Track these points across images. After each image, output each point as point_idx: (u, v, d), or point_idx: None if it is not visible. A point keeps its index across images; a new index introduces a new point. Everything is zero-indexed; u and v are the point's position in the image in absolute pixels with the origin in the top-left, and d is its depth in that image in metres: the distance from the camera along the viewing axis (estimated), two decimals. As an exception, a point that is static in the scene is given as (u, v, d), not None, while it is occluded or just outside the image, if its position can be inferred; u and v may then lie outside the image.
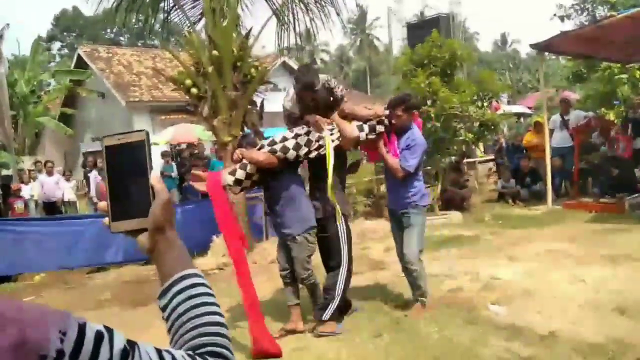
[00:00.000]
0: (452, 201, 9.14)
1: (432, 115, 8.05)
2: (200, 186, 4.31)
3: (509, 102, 18.87)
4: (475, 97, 8.57)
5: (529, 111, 20.84)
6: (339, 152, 4.17)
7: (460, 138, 8.39)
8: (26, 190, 11.05)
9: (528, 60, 44.43)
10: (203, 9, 7.55)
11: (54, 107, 21.41)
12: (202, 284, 0.79)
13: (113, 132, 0.88)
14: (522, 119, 19.02)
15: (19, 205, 10.15)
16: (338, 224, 4.11)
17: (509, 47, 56.72)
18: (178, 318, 0.75)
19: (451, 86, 8.39)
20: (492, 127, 8.85)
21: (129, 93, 18.38)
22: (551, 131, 9.44)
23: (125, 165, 0.84)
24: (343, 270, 4.13)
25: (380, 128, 4.20)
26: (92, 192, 11.39)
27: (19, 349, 0.55)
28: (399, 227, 4.38)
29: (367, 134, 4.18)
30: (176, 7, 8.06)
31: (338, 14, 8.05)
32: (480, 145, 9.93)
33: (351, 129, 4.10)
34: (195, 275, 0.80)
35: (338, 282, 4.10)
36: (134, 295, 5.94)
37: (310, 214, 4.16)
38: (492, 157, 12.76)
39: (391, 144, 4.25)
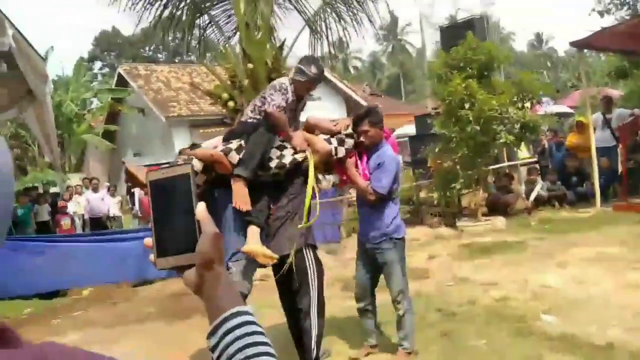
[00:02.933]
0: (495, 206, 8.92)
1: (471, 118, 7.89)
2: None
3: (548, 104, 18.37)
4: (515, 99, 8.36)
5: (570, 110, 20.22)
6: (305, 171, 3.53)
7: (501, 141, 8.18)
8: (71, 207, 11.42)
9: (566, 58, 43.27)
10: (237, 24, 7.64)
11: (97, 125, 22.12)
12: (252, 322, 0.77)
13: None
14: (562, 119, 18.45)
15: (65, 221, 10.51)
16: (307, 262, 3.44)
17: (544, 45, 55.42)
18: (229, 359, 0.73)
19: (489, 88, 8.22)
20: (533, 128, 8.59)
21: (168, 108, 18.82)
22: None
23: (170, 199, 0.81)
24: (314, 316, 3.40)
25: (349, 141, 3.67)
26: (137, 208, 11.67)
27: None
28: (365, 261, 3.82)
29: (336, 148, 3.63)
30: (211, 23, 8.19)
31: (371, 21, 8.02)
32: (524, 147, 9.63)
33: (322, 142, 3.58)
34: (245, 313, 0.77)
35: (312, 335, 3.39)
36: (178, 309, 6.01)
37: (239, 242, 3.36)
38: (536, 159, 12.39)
39: (361, 164, 3.74)
